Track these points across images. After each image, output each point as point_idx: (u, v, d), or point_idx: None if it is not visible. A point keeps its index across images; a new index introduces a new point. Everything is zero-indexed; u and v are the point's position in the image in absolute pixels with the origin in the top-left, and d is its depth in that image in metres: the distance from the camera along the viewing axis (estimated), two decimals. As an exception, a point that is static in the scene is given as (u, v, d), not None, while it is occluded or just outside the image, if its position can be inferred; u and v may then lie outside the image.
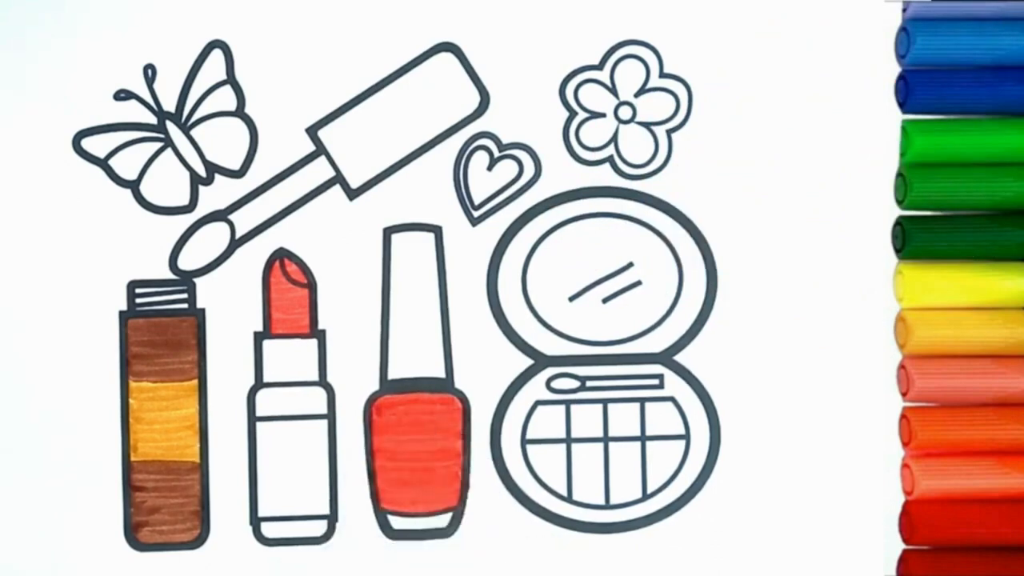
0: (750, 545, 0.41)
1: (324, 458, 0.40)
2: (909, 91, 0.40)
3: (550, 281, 0.41)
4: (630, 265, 0.41)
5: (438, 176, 0.40)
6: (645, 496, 0.41)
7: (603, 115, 0.41)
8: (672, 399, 0.41)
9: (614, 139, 0.41)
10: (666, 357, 0.41)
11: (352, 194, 0.40)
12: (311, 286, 0.40)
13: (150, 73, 0.40)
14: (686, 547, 0.41)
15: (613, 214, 0.41)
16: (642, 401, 0.41)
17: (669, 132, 0.41)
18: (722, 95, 0.41)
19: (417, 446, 0.40)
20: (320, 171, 0.40)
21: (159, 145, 0.40)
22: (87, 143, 0.40)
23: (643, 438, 0.41)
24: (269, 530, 0.40)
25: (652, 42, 0.41)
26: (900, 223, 0.41)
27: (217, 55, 0.40)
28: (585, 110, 0.41)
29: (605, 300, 0.41)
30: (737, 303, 0.41)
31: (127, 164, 0.40)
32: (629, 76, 0.41)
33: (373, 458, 0.40)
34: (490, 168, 0.40)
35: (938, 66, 0.41)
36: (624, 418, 0.41)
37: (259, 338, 0.40)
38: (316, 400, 0.40)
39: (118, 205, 0.40)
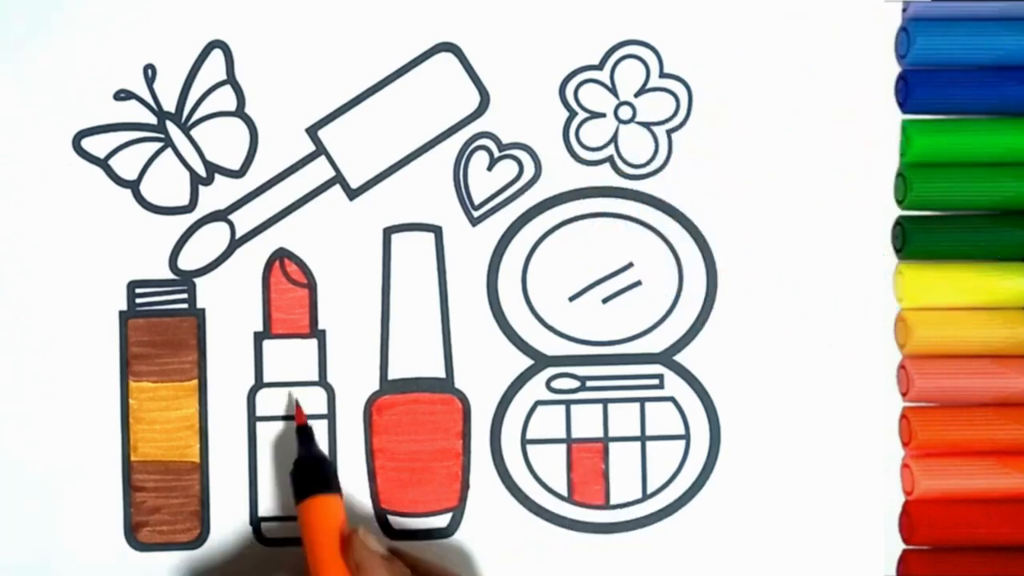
0: (750, 545, 0.41)
1: (324, 458, 0.40)
2: (909, 91, 0.40)
3: (550, 281, 0.41)
4: (630, 265, 0.41)
5: (438, 176, 0.40)
6: (645, 496, 0.41)
7: (603, 115, 0.41)
8: (672, 399, 0.41)
9: (614, 139, 0.41)
10: (666, 357, 0.41)
11: (352, 194, 0.40)
12: (311, 286, 0.40)
13: (150, 73, 0.40)
14: (686, 547, 0.41)
15: (613, 214, 0.41)
16: (642, 401, 0.41)
17: (669, 132, 0.41)
18: (722, 95, 0.41)
19: (417, 446, 0.40)
20: (320, 171, 0.40)
21: (159, 145, 0.40)
22: (87, 143, 0.40)
23: (643, 438, 0.41)
24: (269, 530, 0.40)
25: (652, 42, 0.41)
26: (900, 223, 0.41)
27: (217, 55, 0.40)
28: (585, 110, 0.41)
29: (605, 300, 0.41)
30: (737, 303, 0.41)
31: (127, 164, 0.40)
32: (629, 76, 0.41)
33: (373, 458, 0.40)
34: (490, 168, 0.40)
35: (938, 66, 0.41)
36: (624, 418, 0.41)
37: (259, 338, 0.40)
38: (316, 400, 0.40)
39: (118, 205, 0.40)
